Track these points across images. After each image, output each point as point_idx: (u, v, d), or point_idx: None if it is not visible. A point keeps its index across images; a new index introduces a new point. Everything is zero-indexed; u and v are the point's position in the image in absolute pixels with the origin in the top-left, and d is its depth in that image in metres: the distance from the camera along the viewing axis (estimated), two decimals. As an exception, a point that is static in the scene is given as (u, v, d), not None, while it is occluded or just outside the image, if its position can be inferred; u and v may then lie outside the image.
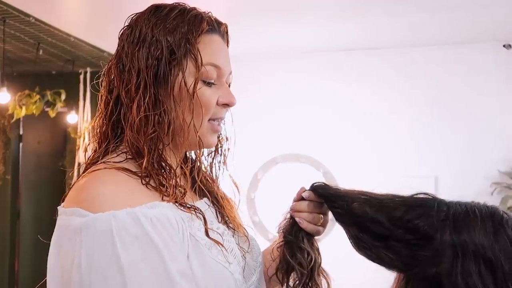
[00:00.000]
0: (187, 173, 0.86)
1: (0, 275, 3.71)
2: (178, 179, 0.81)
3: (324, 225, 0.89)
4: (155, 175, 0.78)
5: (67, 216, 0.73)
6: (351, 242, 0.82)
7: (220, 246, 0.79)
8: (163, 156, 0.80)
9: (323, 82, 3.49)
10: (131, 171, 0.77)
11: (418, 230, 0.77)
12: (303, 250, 0.85)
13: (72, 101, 3.52)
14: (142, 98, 0.78)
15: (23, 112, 3.15)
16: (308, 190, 0.87)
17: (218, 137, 0.92)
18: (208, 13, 0.87)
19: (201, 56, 0.80)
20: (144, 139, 0.78)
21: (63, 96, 3.33)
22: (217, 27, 0.86)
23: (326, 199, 0.86)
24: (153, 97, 0.79)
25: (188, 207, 0.78)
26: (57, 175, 3.25)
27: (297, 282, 0.84)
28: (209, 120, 0.84)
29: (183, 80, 0.80)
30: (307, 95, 3.51)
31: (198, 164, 0.91)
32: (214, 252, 0.78)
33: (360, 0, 2.56)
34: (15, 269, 3.78)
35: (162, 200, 0.76)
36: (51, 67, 3.65)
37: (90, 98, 3.46)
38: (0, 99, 3.00)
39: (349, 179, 3.28)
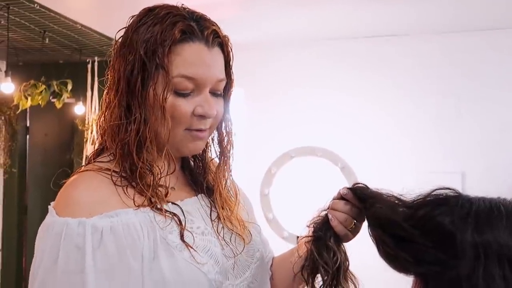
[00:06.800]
0: (196, 169, 0.93)
1: (8, 272, 3.71)
2: (164, 179, 0.85)
3: (354, 232, 0.88)
4: (131, 179, 0.82)
5: (48, 214, 0.80)
6: (374, 244, 0.80)
7: (190, 248, 0.81)
8: (143, 160, 0.83)
9: (340, 71, 3.40)
10: (115, 172, 0.82)
11: (438, 229, 0.74)
12: (330, 249, 0.85)
13: (80, 92, 3.50)
14: (117, 105, 0.83)
15: (28, 103, 3.14)
16: (347, 188, 0.88)
17: (230, 138, 0.94)
18: (199, 15, 0.85)
19: (168, 70, 0.80)
20: (116, 145, 0.83)
21: (69, 86, 3.35)
22: (198, 33, 0.83)
23: (360, 199, 0.85)
24: (125, 106, 0.82)
25: (161, 210, 0.81)
26: (68, 174, 3.21)
27: (322, 282, 0.83)
28: (186, 129, 0.85)
29: (154, 92, 0.81)
30: (324, 85, 3.42)
31: (204, 161, 0.96)
32: (186, 254, 0.81)
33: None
34: (23, 266, 3.76)
35: (135, 205, 0.80)
36: (58, 56, 3.65)
37: (98, 89, 3.43)
38: (5, 89, 2.97)
39: (369, 175, 3.18)
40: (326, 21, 3.06)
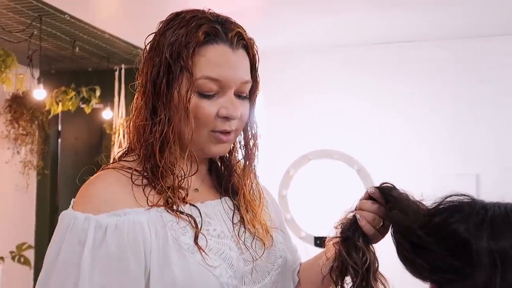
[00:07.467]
0: (220, 171, 0.92)
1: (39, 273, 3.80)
2: (187, 181, 0.84)
3: (383, 231, 0.86)
4: (152, 179, 0.82)
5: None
6: (395, 247, 0.79)
7: (201, 251, 0.79)
8: (165, 161, 0.82)
9: (357, 76, 3.39)
10: (136, 171, 0.82)
11: (453, 236, 0.71)
12: (359, 249, 0.82)
13: (107, 98, 3.58)
14: (143, 107, 0.83)
15: (59, 108, 3.23)
16: (375, 187, 0.85)
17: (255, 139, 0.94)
18: (224, 18, 0.85)
19: (192, 72, 0.80)
20: (140, 145, 0.83)
21: (97, 93, 3.39)
22: (223, 36, 0.82)
23: (385, 199, 0.83)
24: (151, 107, 0.82)
25: (176, 212, 0.80)
26: (94, 171, 3.29)
27: (352, 283, 0.81)
28: (212, 131, 0.84)
29: (178, 93, 0.81)
30: (341, 90, 3.42)
31: (228, 164, 0.94)
32: (198, 256, 0.78)
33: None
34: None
35: (148, 204, 0.79)
36: (87, 64, 3.70)
37: (125, 95, 3.51)
38: (37, 95, 3.08)
39: (385, 177, 3.14)
40: (342, 29, 3.06)
